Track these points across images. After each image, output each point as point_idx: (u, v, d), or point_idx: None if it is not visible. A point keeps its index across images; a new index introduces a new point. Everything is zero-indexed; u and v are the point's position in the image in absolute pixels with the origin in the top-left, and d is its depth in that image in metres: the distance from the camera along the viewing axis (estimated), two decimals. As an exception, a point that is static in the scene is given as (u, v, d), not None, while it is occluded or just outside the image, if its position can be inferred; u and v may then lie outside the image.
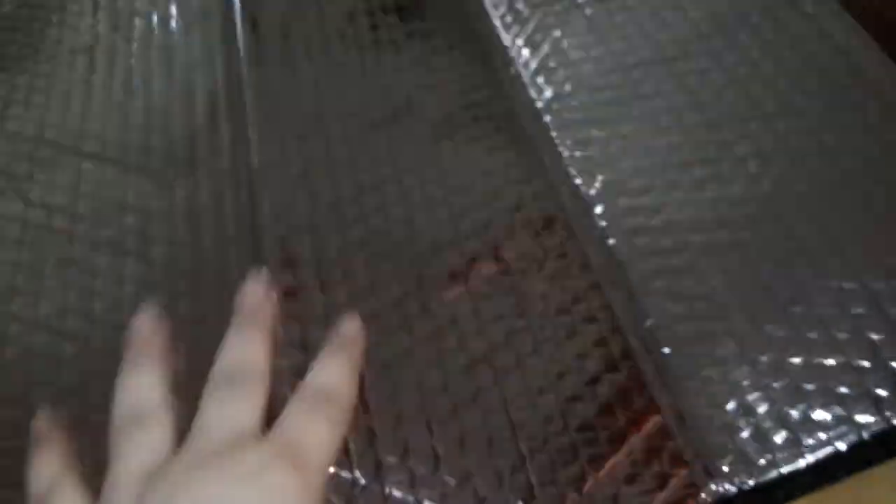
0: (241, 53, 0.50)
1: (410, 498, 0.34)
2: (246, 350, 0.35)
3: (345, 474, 0.34)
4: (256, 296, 0.38)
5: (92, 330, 0.39)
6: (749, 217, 0.41)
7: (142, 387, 0.34)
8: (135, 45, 0.52)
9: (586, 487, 0.34)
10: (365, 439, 0.35)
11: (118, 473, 0.31)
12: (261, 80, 0.49)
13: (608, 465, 0.34)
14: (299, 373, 0.36)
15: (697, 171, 0.44)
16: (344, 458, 0.34)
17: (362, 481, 0.34)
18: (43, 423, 0.36)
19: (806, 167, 0.42)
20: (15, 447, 0.35)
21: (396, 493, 0.34)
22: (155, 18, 0.53)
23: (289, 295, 0.40)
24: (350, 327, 0.37)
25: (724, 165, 0.43)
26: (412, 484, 0.34)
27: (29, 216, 0.44)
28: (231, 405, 0.33)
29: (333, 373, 0.35)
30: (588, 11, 0.53)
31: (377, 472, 0.34)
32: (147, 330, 0.37)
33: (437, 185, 0.44)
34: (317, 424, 0.32)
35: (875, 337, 0.36)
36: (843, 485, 0.34)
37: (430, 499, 0.33)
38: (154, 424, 0.33)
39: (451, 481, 0.34)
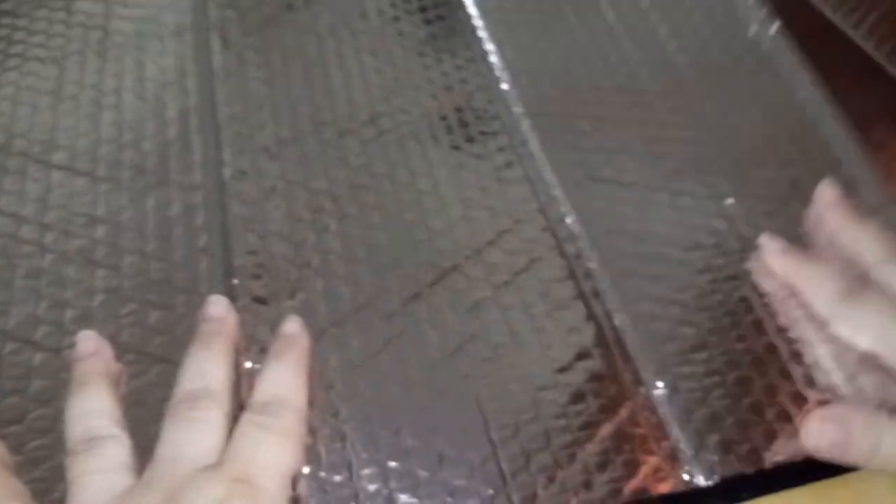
0: (215, 69, 0.50)
1: (384, 492, 0.34)
2: (203, 375, 0.35)
3: (316, 472, 0.34)
4: (214, 319, 0.38)
5: (62, 340, 0.39)
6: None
7: (93, 410, 0.34)
8: (108, 60, 0.51)
9: (558, 475, 0.34)
10: (335, 437, 0.35)
11: (76, 497, 0.32)
12: (234, 96, 0.48)
13: (580, 452, 0.34)
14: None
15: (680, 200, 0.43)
16: (314, 456, 0.35)
17: (335, 478, 0.34)
18: None
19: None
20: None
21: (369, 487, 0.34)
22: (129, 34, 0.52)
23: (259, 301, 0.39)
24: (289, 328, 0.38)
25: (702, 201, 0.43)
26: (384, 478, 0.34)
27: None
28: (189, 434, 0.33)
29: (277, 380, 0.35)
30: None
31: (348, 468, 0.34)
32: (90, 352, 0.37)
33: (412, 188, 0.44)
34: (267, 444, 0.33)
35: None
36: (842, 482, 0.34)
37: (402, 491, 0.34)
38: (110, 447, 0.33)
39: (423, 474, 0.34)
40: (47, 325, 0.39)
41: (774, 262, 0.39)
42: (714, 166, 0.44)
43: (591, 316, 0.39)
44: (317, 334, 0.38)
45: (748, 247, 0.40)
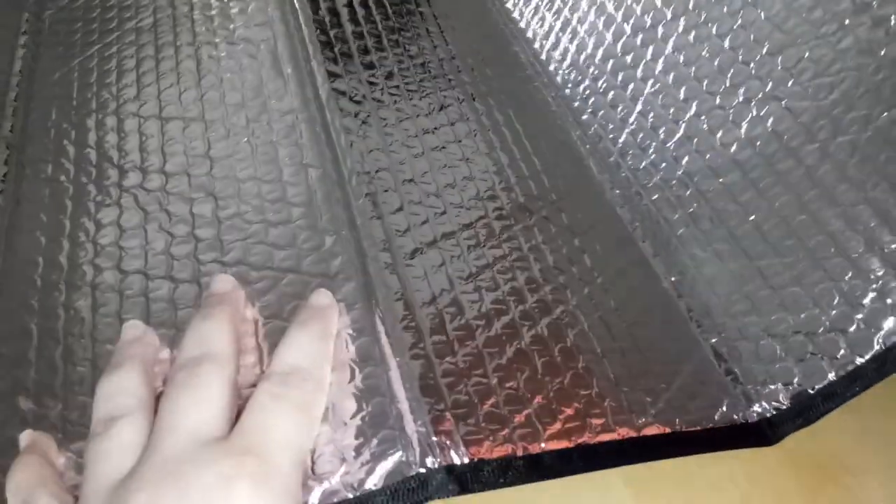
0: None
1: None
2: (203, 341, 0.33)
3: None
4: (218, 293, 0.37)
5: (198, 270, 0.41)
6: (762, 156, 0.44)
7: (118, 389, 0.33)
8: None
9: (661, 400, 0.39)
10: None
11: (89, 481, 0.30)
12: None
13: (673, 383, 0.40)
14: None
15: (710, 120, 0.46)
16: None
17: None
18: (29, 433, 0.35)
19: (821, 108, 0.43)
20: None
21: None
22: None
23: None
24: (319, 300, 0.36)
25: (735, 109, 0.45)
26: None
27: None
28: (187, 401, 0.31)
29: (300, 350, 0.34)
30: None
31: None
32: (134, 338, 0.36)
33: (473, 149, 0.48)
34: (284, 417, 0.31)
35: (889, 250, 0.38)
36: (837, 481, 0.39)
37: None
38: (125, 426, 0.31)
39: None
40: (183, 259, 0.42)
41: None
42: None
43: (652, 276, 0.44)
44: (424, 247, 0.41)
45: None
